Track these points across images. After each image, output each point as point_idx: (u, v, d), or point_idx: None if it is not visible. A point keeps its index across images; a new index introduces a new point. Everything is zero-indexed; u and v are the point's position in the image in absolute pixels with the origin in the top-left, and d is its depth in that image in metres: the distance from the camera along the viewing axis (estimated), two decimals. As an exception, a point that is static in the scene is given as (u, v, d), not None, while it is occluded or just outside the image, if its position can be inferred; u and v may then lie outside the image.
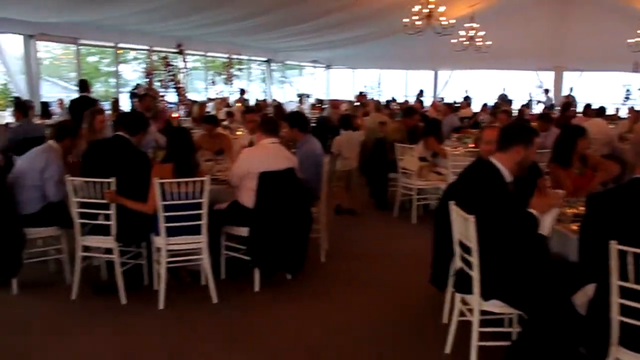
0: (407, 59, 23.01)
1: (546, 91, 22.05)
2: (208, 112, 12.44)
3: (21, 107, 8.51)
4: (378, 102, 16.25)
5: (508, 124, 4.17)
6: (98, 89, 23.31)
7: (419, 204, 7.69)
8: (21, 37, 13.43)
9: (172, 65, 8.21)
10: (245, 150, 5.12)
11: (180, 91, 8.45)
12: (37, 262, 5.28)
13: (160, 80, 8.61)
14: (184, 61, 8.65)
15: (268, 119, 5.46)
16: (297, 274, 5.24)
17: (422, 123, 8.53)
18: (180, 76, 8.46)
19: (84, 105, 8.21)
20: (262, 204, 4.83)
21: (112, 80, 17.97)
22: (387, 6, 14.87)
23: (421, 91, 22.73)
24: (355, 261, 5.98)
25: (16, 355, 3.89)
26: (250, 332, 4.25)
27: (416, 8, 13.57)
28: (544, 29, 20.52)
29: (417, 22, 13.63)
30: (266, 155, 4.95)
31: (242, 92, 16.67)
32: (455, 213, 3.51)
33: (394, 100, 19.65)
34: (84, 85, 10.69)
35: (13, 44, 13.42)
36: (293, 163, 5.11)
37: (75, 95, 10.94)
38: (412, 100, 20.64)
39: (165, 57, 8.25)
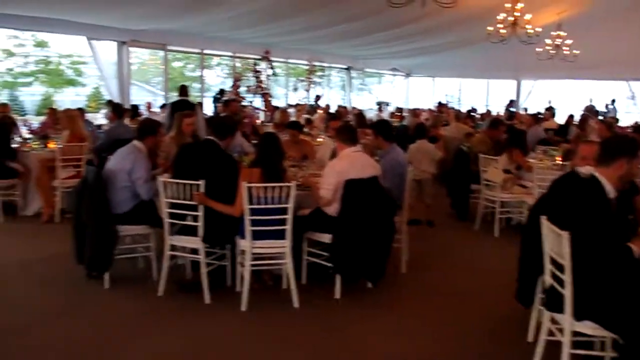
0: (489, 67, 22.51)
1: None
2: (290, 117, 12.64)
3: (117, 109, 8.91)
4: (458, 111, 16.01)
5: (610, 137, 3.99)
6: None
7: (501, 217, 7.50)
8: (115, 44, 14.14)
9: (259, 72, 8.38)
10: (331, 165, 5.12)
11: (266, 97, 8.61)
12: (126, 259, 5.53)
13: (247, 87, 8.81)
14: (271, 67, 8.81)
15: (346, 127, 5.44)
16: (378, 282, 5.22)
17: (506, 134, 8.33)
18: (266, 82, 8.62)
19: (184, 108, 8.55)
20: (346, 211, 4.84)
21: (196, 85, 18.57)
22: (471, 14, 14.63)
23: (511, 101, 22.15)
24: (435, 273, 5.90)
25: (105, 346, 4.07)
26: (330, 339, 4.26)
27: (501, 16, 13.27)
28: (638, 36, 19.55)
29: (501, 31, 13.32)
30: (351, 163, 4.97)
31: (317, 98, 16.84)
32: (547, 228, 3.40)
33: (474, 110, 19.27)
34: (183, 90, 11.44)
35: (107, 50, 14.13)
36: (377, 171, 5.10)
37: (172, 98, 11.40)
38: (496, 110, 20.23)
39: (254, 63, 8.44)
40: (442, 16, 13.72)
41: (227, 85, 18.23)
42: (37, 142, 8.48)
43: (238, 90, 9.02)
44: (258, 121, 9.39)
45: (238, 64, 15.87)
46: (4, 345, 4.05)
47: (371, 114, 18.39)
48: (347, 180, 4.84)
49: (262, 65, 8.62)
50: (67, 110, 8.06)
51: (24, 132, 9.15)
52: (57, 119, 8.68)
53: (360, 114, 11.09)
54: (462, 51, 20.77)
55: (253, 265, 4.75)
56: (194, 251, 4.95)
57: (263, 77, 8.61)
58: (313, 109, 15.19)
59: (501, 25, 13.29)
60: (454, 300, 5.14)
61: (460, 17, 14.87)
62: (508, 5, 12.97)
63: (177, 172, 4.99)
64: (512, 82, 25.05)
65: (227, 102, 10.50)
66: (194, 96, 19.48)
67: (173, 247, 5.06)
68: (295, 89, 10.64)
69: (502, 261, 6.34)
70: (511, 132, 8.51)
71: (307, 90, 11.40)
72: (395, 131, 14.46)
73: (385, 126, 6.13)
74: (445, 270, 6.02)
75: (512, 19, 13.11)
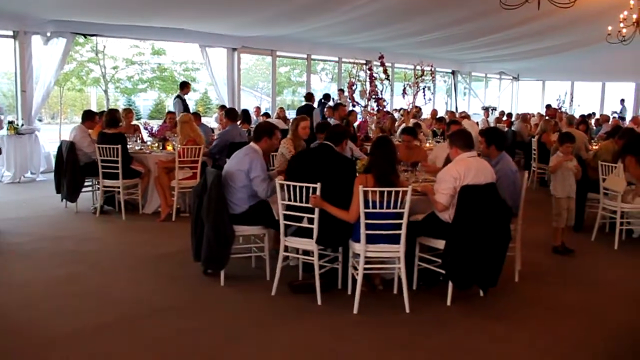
0: (606, 70, 21.42)
1: None
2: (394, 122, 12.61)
3: (231, 113, 9.26)
4: (571, 116, 15.28)
5: None
6: (286, 98, 24.81)
7: (622, 229, 7.11)
8: (225, 50, 14.72)
9: (374, 77, 8.42)
10: (447, 170, 5.07)
11: (380, 102, 8.66)
12: (241, 258, 5.73)
13: (361, 91, 8.89)
14: (385, 72, 8.82)
15: (461, 132, 5.35)
16: (490, 290, 5.10)
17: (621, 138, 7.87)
18: (380, 87, 8.66)
19: (308, 112, 8.81)
20: (461, 217, 4.77)
21: (302, 90, 18.95)
22: (589, 14, 13.96)
23: (621, 101, 20.98)
24: (550, 285, 5.68)
25: (217, 342, 4.23)
26: (441, 346, 4.21)
27: (623, 14, 12.54)
28: None
29: (623, 30, 12.61)
30: (467, 169, 4.89)
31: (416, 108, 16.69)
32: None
33: (591, 115, 18.33)
34: (309, 96, 12.89)
35: (218, 56, 14.74)
36: (493, 178, 4.99)
37: (279, 103, 11.81)
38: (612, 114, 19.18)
39: (369, 68, 8.49)
40: (556, 17, 13.21)
41: (332, 89, 18.51)
42: (156, 145, 8.97)
43: (353, 94, 9.10)
44: (371, 127, 9.46)
45: (344, 69, 16.03)
46: (131, 332, 4.32)
47: (477, 119, 18.01)
48: (463, 187, 4.78)
49: (375, 69, 8.68)
50: (183, 116, 8.43)
51: (145, 135, 9.68)
52: (174, 122, 9.11)
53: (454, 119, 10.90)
54: (575, 53, 19.88)
55: (366, 269, 4.78)
56: (307, 253, 5.05)
57: (377, 82, 8.65)
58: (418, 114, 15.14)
59: (622, 25, 12.58)
60: (567, 314, 4.94)
61: (577, 17, 14.23)
62: (633, 1, 12.24)
63: (293, 175, 5.10)
64: (630, 85, 23.66)
65: (337, 106, 10.63)
66: (299, 101, 19.92)
67: (287, 248, 5.18)
68: (405, 93, 10.56)
69: (622, 276, 6.06)
70: (627, 136, 8.04)
71: (415, 95, 11.27)
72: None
73: (497, 134, 5.97)
74: (559, 282, 5.79)
75: (636, 16, 12.36)
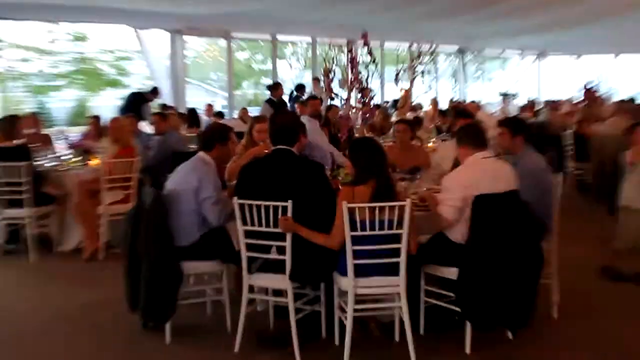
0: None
1: None
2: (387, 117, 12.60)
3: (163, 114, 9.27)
4: (620, 102, 15.38)
5: None
6: (247, 92, 24.81)
7: None
8: (165, 33, 14.71)
9: (358, 62, 8.39)
10: (454, 175, 5.10)
11: (365, 93, 8.62)
12: (193, 304, 5.64)
13: (342, 80, 8.84)
14: (370, 54, 8.79)
15: (470, 127, 5.37)
16: (520, 332, 5.09)
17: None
18: (365, 74, 8.63)
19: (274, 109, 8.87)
20: (476, 237, 4.77)
21: (267, 81, 18.96)
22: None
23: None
24: (598, 320, 5.71)
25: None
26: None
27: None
28: None
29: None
30: (481, 173, 4.92)
31: (408, 93, 16.70)
32: None
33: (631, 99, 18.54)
34: (275, 87, 13.12)
35: (157, 41, 14.73)
36: (516, 183, 5.01)
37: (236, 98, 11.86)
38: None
39: (349, 50, 8.46)
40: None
41: (306, 79, 18.52)
42: (76, 159, 8.87)
43: (331, 84, 9.08)
44: (356, 125, 9.47)
45: (319, 52, 16.05)
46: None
47: (492, 109, 18.15)
48: (477, 196, 4.78)
49: (358, 51, 8.67)
50: (116, 120, 8.39)
51: (61, 147, 9.59)
52: (101, 130, 9.04)
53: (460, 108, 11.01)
54: (620, 20, 20.03)
55: (356, 310, 4.76)
56: (279, 293, 5.03)
57: (361, 67, 8.62)
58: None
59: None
60: None
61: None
62: None
63: (245, 192, 5.04)
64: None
65: (307, 100, 10.64)
66: (263, 95, 19.92)
67: (252, 289, 5.13)
68: (397, 80, 10.59)
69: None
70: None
71: (411, 82, 11.32)
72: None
73: (521, 123, 6.03)
74: (611, 317, 5.79)
75: None
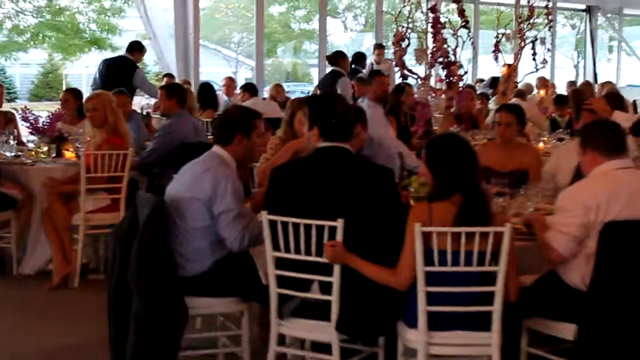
0: None
1: None
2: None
3: (175, 90, 9.32)
4: None
5: None
6: (284, 61, 24.78)
7: None
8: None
9: (443, 24, 8.30)
10: (573, 191, 5.08)
11: (453, 70, 8.54)
12: (200, 356, 5.71)
13: (418, 50, 8.77)
14: (462, 14, 8.71)
15: (605, 125, 5.32)
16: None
17: None
18: (454, 43, 8.55)
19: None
20: (604, 281, 4.75)
21: (312, 46, 19.02)
22: None
23: None
24: None
25: None
26: None
27: None
28: None
29: None
30: (616, 190, 4.88)
31: (513, 69, 16.49)
32: None
33: None
34: (336, 58, 13.01)
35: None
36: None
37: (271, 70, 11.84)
38: None
39: (433, 7, 8.38)
40: None
41: (365, 46, 18.52)
42: (44, 149, 9.00)
43: (402, 56, 9.00)
44: (435, 114, 9.44)
45: (389, 9, 15.85)
46: None
47: (634, 95, 17.93)
48: (607, 223, 4.76)
49: (439, 9, 8.57)
50: (101, 96, 8.46)
51: (24, 131, 9.73)
52: (79, 109, 9.14)
53: (615, 96, 10.84)
54: None
55: (429, 377, 4.78)
56: (320, 347, 5.04)
57: (447, 34, 8.51)
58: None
59: None
60: None
61: None
62: None
63: (278, 205, 5.09)
64: None
65: (373, 76, 10.63)
66: (306, 66, 19.94)
67: (283, 339, 5.18)
68: (497, 51, 10.51)
69: None
70: None
71: (517, 54, 11.25)
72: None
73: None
74: None
75: None
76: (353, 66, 14.95)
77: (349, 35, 21.28)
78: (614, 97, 8.54)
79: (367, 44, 18.39)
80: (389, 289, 4.81)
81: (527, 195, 6.28)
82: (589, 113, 6.89)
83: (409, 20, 9.34)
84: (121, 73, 12.60)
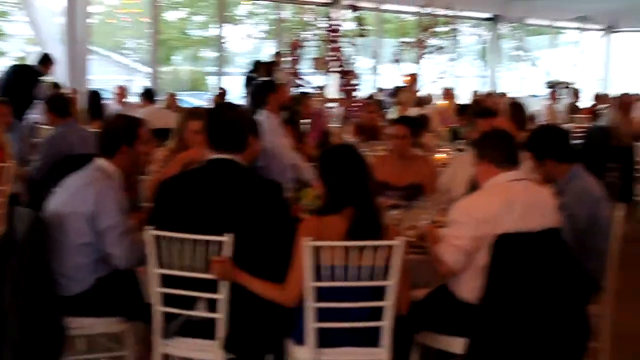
0: None
1: None
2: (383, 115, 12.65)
3: (57, 103, 9.21)
4: None
5: None
6: (182, 67, 24.64)
7: None
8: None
9: (336, 31, 8.32)
10: (466, 204, 5.15)
11: (348, 78, 8.57)
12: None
13: (314, 59, 8.80)
14: (359, 22, 8.76)
15: (499, 135, 5.40)
16: None
17: None
18: (348, 50, 8.58)
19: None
20: (495, 294, 4.83)
21: (210, 53, 18.89)
22: None
23: None
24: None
25: None
26: None
27: None
28: None
29: None
30: (508, 201, 4.95)
31: (414, 79, 16.66)
32: None
33: None
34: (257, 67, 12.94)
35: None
36: (557, 219, 5.08)
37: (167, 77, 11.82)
38: None
39: (326, 14, 8.41)
40: None
41: (267, 53, 18.55)
42: None
43: (296, 65, 9.00)
44: (332, 123, 9.46)
45: (285, 14, 15.85)
46: None
47: (537, 105, 18.28)
48: (500, 236, 4.83)
49: (337, 17, 8.61)
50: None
51: None
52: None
53: (517, 106, 10.98)
54: None
55: (318, 396, 4.79)
56: (208, 367, 5.03)
57: (343, 42, 8.54)
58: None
59: None
60: None
61: None
62: None
63: (165, 220, 5.05)
64: None
65: (274, 86, 10.64)
66: (202, 74, 19.88)
67: (168, 359, 5.13)
68: (397, 61, 10.65)
69: None
70: None
71: (418, 63, 11.41)
72: (585, 138, 14.45)
73: (554, 136, 6.08)
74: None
75: None
76: (249, 74, 14.98)
77: (249, 43, 21.22)
78: (516, 108, 8.72)
79: (268, 51, 18.37)
80: (277, 306, 4.82)
81: (422, 208, 6.36)
82: (485, 123, 6.99)
83: (307, 28, 9.35)
84: (24, 82, 12.60)
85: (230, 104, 8.06)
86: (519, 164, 5.21)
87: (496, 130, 5.55)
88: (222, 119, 5.33)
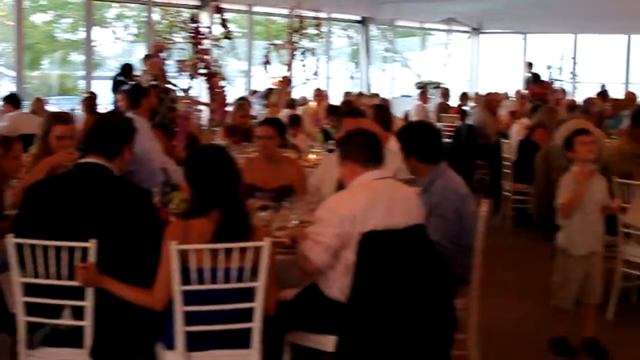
0: (634, 16, 22.67)
1: None
2: (254, 116, 12.63)
3: None
4: (571, 102, 16.08)
5: None
6: (51, 71, 24.07)
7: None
8: None
9: (200, 33, 8.27)
10: (331, 203, 5.15)
11: (213, 81, 8.52)
12: None
13: (180, 61, 8.74)
14: (223, 25, 8.75)
15: (362, 135, 5.41)
16: None
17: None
18: (215, 53, 8.55)
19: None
20: (362, 292, 4.85)
21: (78, 57, 18.60)
22: None
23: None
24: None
25: None
26: None
27: None
28: None
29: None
30: (371, 200, 4.97)
31: (287, 81, 16.66)
32: None
33: (603, 93, 19.34)
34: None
35: None
36: (421, 215, 5.14)
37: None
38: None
39: (193, 18, 8.35)
40: None
41: (138, 56, 18.34)
42: None
43: (163, 67, 8.94)
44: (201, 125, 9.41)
45: (156, 18, 15.73)
46: None
47: (407, 106, 18.50)
48: (365, 233, 4.86)
49: (205, 19, 8.60)
50: None
51: None
52: None
53: (382, 108, 11.07)
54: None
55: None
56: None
57: (208, 44, 8.51)
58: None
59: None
60: None
61: None
62: None
63: (30, 227, 4.96)
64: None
65: (143, 90, 10.52)
66: (72, 79, 19.59)
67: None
68: (267, 62, 10.65)
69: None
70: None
71: (289, 65, 11.42)
72: (454, 137, 14.67)
73: (421, 134, 6.17)
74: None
75: None
76: (118, 78, 14.84)
77: (119, 46, 20.94)
78: (380, 110, 8.78)
79: (139, 54, 18.15)
80: (146, 310, 4.76)
81: (291, 208, 6.35)
82: (351, 123, 7.02)
83: (175, 31, 9.28)
84: None
85: (112, 111, 8.00)
86: (383, 162, 5.21)
87: (359, 130, 5.56)
88: (100, 123, 5.41)
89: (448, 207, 5.72)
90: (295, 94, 15.54)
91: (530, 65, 24.18)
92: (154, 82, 10.66)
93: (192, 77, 8.72)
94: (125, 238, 4.86)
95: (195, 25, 8.68)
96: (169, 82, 9.23)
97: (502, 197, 11.65)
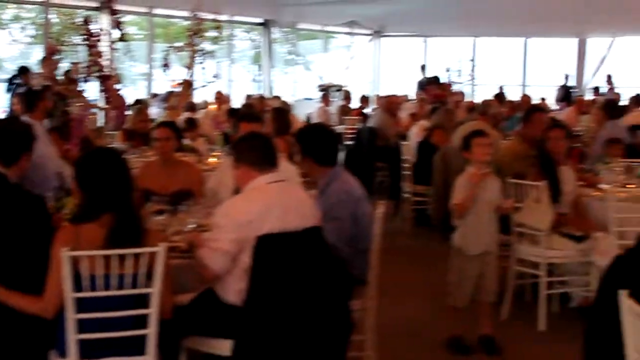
0: (531, 19, 23.06)
1: None
2: (153, 119, 12.50)
3: None
4: (470, 103, 16.30)
5: None
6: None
7: (550, 293, 7.71)
8: None
9: (94, 35, 8.17)
10: (227, 207, 5.14)
11: (108, 83, 8.42)
12: None
13: (73, 63, 8.62)
14: (118, 27, 8.63)
15: (256, 138, 5.40)
16: None
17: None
18: (110, 55, 8.45)
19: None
20: (257, 295, 4.85)
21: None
22: None
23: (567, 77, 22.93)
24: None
25: None
26: None
27: None
28: None
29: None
30: (266, 204, 4.98)
31: (187, 84, 16.57)
32: (631, 311, 3.48)
33: (500, 95, 19.61)
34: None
35: None
36: (316, 218, 5.16)
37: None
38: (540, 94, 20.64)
39: (86, 20, 8.23)
40: None
41: (36, 58, 18.09)
42: None
43: (54, 70, 8.79)
44: (96, 129, 9.28)
45: (54, 18, 15.52)
46: None
47: (309, 109, 18.53)
48: (260, 237, 4.85)
49: (101, 21, 8.49)
50: None
51: None
52: None
53: (281, 112, 11.08)
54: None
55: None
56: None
57: (103, 45, 8.40)
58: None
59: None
60: None
61: None
62: None
63: None
64: (571, 42, 25.69)
65: (37, 93, 10.36)
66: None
67: None
68: (166, 65, 10.57)
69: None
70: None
71: (189, 68, 11.36)
72: (355, 139, 14.74)
73: (318, 137, 6.20)
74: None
75: None
76: (13, 80, 14.58)
77: (16, 48, 20.58)
78: (278, 113, 8.80)
79: (37, 56, 17.89)
80: (38, 318, 4.68)
81: (189, 212, 6.30)
82: (247, 127, 7.00)
83: (71, 33, 9.17)
84: None
85: (13, 118, 7.84)
86: (277, 165, 5.23)
87: (252, 134, 5.54)
88: None
89: (343, 210, 5.75)
90: (197, 97, 15.58)
91: (423, 67, 24.56)
92: (46, 84, 10.56)
93: (86, 79, 8.63)
94: (16, 246, 4.80)
95: (88, 27, 8.58)
96: (61, 85, 9.09)
97: (402, 199, 11.74)
